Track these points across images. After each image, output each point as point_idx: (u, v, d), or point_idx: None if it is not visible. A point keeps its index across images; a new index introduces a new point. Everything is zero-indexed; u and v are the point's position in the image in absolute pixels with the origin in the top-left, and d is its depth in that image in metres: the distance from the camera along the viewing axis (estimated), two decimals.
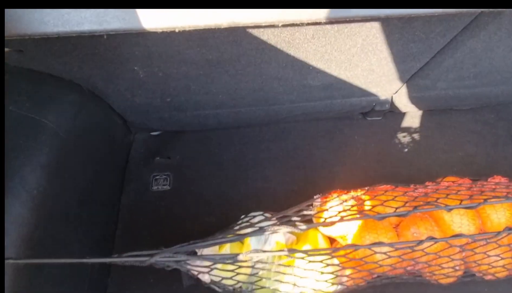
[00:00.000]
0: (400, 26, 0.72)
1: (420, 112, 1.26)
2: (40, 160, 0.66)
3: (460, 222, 0.79)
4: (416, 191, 0.84)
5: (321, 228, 0.83)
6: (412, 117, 1.26)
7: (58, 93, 0.77)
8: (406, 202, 0.73)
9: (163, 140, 1.17)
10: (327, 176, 1.11)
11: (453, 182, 0.91)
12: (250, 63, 0.79)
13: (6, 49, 0.68)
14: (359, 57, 0.83)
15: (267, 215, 0.74)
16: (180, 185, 1.09)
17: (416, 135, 1.21)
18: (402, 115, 1.26)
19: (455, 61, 0.91)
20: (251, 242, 0.81)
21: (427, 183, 0.92)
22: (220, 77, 0.85)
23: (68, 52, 0.69)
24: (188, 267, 0.62)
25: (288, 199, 1.06)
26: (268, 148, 1.16)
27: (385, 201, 0.75)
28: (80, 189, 0.78)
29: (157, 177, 1.09)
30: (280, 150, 1.16)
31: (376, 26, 0.72)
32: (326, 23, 0.61)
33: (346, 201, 0.80)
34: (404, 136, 1.21)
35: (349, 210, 0.76)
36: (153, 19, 0.52)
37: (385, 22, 0.70)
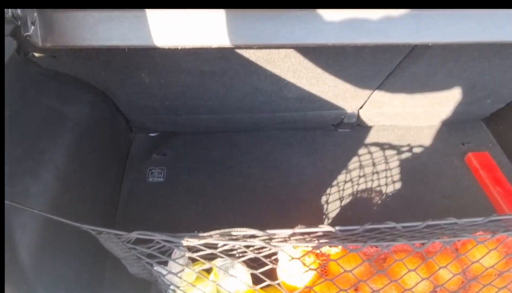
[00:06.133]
0: (353, 52, 0.92)
1: (384, 127, 1.46)
2: (64, 142, 0.84)
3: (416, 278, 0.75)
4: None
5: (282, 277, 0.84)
6: (377, 130, 1.46)
7: (78, 92, 0.95)
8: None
9: (160, 140, 1.36)
10: (299, 176, 1.29)
11: None
12: (235, 75, 0.98)
13: (41, 55, 0.86)
14: (324, 75, 1.02)
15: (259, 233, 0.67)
16: (173, 178, 1.26)
17: (378, 147, 1.41)
18: (368, 128, 1.46)
19: (404, 83, 1.11)
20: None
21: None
22: (212, 86, 1.03)
23: (91, 59, 0.88)
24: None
25: (265, 193, 1.24)
26: (251, 150, 1.35)
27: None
28: (91, 169, 0.95)
29: (153, 171, 1.27)
30: (260, 152, 1.34)
31: (334, 51, 0.92)
32: (292, 47, 0.80)
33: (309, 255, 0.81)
34: (368, 147, 1.40)
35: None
36: (162, 38, 0.71)
37: (341, 49, 0.90)
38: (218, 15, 0.69)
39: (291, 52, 0.91)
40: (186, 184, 1.25)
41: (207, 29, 0.70)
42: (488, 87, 1.17)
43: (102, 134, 1.05)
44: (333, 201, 1.23)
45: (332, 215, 1.19)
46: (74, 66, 0.90)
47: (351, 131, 1.44)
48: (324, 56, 0.92)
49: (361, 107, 1.32)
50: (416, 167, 1.34)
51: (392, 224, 0.69)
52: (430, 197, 1.24)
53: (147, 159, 1.30)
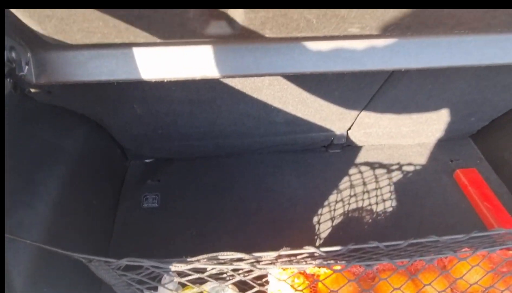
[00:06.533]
0: (335, 78, 0.97)
1: (373, 146, 1.50)
2: (59, 173, 0.87)
3: None
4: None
5: None
6: (367, 150, 1.49)
7: (73, 124, 0.99)
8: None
9: (154, 166, 1.39)
10: (291, 198, 1.31)
11: None
12: (223, 103, 1.02)
13: (37, 90, 0.91)
14: (309, 100, 1.06)
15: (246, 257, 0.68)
16: (167, 204, 1.29)
17: (368, 166, 1.44)
18: (358, 148, 1.50)
19: (387, 106, 1.15)
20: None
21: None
22: (201, 114, 1.07)
23: (85, 93, 0.92)
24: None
25: (258, 215, 1.26)
26: (243, 174, 1.38)
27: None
28: (85, 198, 0.98)
29: (148, 196, 1.29)
30: (252, 175, 1.37)
31: (317, 77, 0.96)
32: (272, 75, 0.84)
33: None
34: (359, 167, 1.44)
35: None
36: (149, 72, 0.75)
37: (322, 75, 0.94)
38: (202, 49, 0.74)
39: (275, 80, 0.95)
40: (180, 208, 1.27)
41: (191, 62, 0.74)
42: (470, 106, 1.21)
43: (97, 163, 1.09)
44: (325, 221, 1.25)
45: (323, 235, 1.21)
46: (68, 100, 0.94)
47: (341, 152, 1.47)
48: (307, 82, 0.97)
49: (349, 129, 1.36)
50: (406, 185, 1.36)
51: (375, 244, 0.72)
52: (420, 214, 1.27)
53: (141, 185, 1.33)
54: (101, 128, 1.11)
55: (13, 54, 0.64)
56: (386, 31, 0.67)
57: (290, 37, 0.70)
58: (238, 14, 0.59)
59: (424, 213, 1.27)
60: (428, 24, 0.66)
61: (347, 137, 1.40)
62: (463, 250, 0.85)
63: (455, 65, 0.79)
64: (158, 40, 0.65)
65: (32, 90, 0.91)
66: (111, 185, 1.21)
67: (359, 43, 0.76)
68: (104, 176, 1.15)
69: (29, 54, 0.70)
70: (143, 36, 0.62)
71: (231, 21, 0.61)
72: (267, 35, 0.66)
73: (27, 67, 0.70)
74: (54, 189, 0.84)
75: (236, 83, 0.94)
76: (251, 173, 1.38)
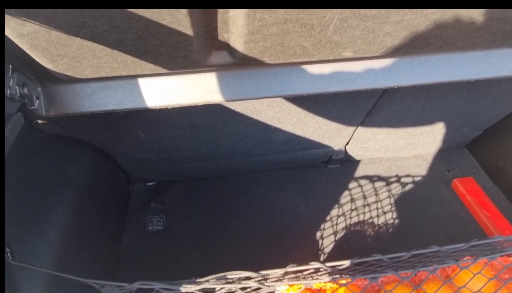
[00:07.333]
0: (331, 97, 1.00)
1: (372, 160, 1.53)
2: (67, 200, 0.89)
3: None
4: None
5: None
6: (365, 164, 1.52)
7: (79, 152, 1.02)
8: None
9: (157, 189, 1.41)
10: (294, 214, 1.34)
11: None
12: (224, 126, 1.05)
13: (44, 121, 0.94)
14: (307, 119, 1.10)
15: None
16: (171, 226, 1.31)
17: (368, 180, 1.46)
18: (357, 162, 1.53)
19: (383, 120, 1.19)
20: None
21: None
22: (203, 137, 1.11)
23: (90, 122, 0.95)
24: None
25: (262, 233, 1.28)
26: (245, 193, 1.40)
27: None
28: (92, 224, 1.00)
29: (152, 219, 1.31)
30: (254, 194, 1.40)
31: (314, 97, 1.00)
32: (271, 97, 0.88)
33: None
34: (358, 181, 1.46)
35: None
36: (153, 100, 0.78)
37: (320, 95, 0.98)
38: (204, 76, 0.77)
39: (274, 101, 0.99)
40: (185, 230, 1.29)
41: (194, 89, 0.78)
42: (463, 117, 1.25)
43: (102, 189, 1.11)
44: (328, 236, 1.27)
45: (327, 250, 1.23)
46: (74, 129, 0.97)
47: (340, 167, 1.50)
48: (305, 102, 1.00)
49: (347, 144, 1.39)
50: (405, 196, 1.39)
51: (378, 256, 0.74)
52: (420, 224, 1.29)
53: (146, 208, 1.35)
54: (106, 155, 1.14)
55: (25, 90, 0.67)
56: (378, 53, 0.71)
57: (288, 62, 0.74)
58: (238, 45, 0.62)
59: (424, 223, 1.30)
60: (417, 45, 0.70)
61: (346, 152, 1.43)
62: (465, 258, 0.87)
63: (444, 81, 0.83)
64: (163, 71, 0.69)
65: (39, 121, 0.94)
66: (116, 209, 1.23)
67: (353, 64, 0.80)
68: (109, 201, 1.17)
69: (39, 89, 0.73)
70: (149, 68, 0.66)
71: (232, 51, 0.65)
72: (266, 62, 0.70)
73: (37, 101, 0.73)
74: (63, 216, 0.86)
75: (237, 106, 0.97)
76: (253, 191, 1.40)
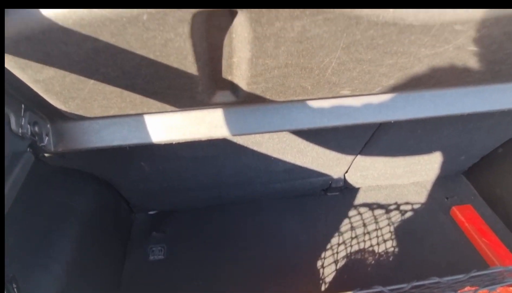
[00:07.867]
0: (329, 129, 1.03)
1: (371, 187, 1.55)
2: (71, 233, 0.91)
3: None
4: None
5: None
6: (365, 191, 1.54)
7: (83, 184, 1.04)
8: None
9: (159, 218, 1.42)
10: (294, 243, 1.34)
11: None
12: (226, 157, 1.08)
13: (51, 155, 0.96)
14: (307, 149, 1.12)
15: None
16: (173, 255, 1.31)
17: (367, 207, 1.48)
18: (356, 190, 1.55)
19: (381, 150, 1.21)
20: None
21: None
22: (205, 168, 1.13)
23: (96, 155, 0.97)
24: None
25: (262, 262, 1.28)
26: (246, 221, 1.41)
27: None
28: (95, 255, 1.01)
29: (154, 248, 1.32)
30: (255, 222, 1.41)
31: (312, 130, 1.02)
32: (272, 132, 0.91)
33: None
34: (358, 208, 1.48)
35: None
36: (159, 136, 0.81)
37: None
38: (207, 112, 0.80)
39: (275, 134, 1.02)
40: (186, 259, 1.29)
41: (198, 125, 0.81)
42: (459, 146, 1.28)
43: (105, 220, 1.12)
44: (329, 265, 1.27)
45: (328, 279, 1.23)
46: (80, 162, 1.00)
47: (340, 195, 1.52)
48: (304, 134, 1.03)
49: (346, 172, 1.41)
50: (404, 224, 1.40)
51: (379, 288, 0.75)
52: (420, 253, 1.30)
53: (147, 237, 1.35)
54: (110, 186, 1.15)
55: (36, 128, 0.70)
56: (374, 91, 0.74)
57: (289, 100, 0.77)
58: (241, 86, 0.66)
59: (424, 251, 1.31)
60: (411, 84, 0.74)
61: (345, 180, 1.45)
62: (465, 289, 0.88)
63: (438, 116, 0.86)
64: (169, 110, 0.72)
65: (46, 155, 0.96)
66: (118, 238, 1.24)
67: (351, 100, 0.83)
68: (112, 231, 1.18)
69: (48, 125, 0.76)
70: (156, 107, 0.69)
71: (235, 91, 0.68)
72: (267, 100, 0.73)
73: (47, 138, 0.75)
74: (67, 249, 0.87)
75: (238, 139, 1.00)
76: (253, 220, 1.42)
